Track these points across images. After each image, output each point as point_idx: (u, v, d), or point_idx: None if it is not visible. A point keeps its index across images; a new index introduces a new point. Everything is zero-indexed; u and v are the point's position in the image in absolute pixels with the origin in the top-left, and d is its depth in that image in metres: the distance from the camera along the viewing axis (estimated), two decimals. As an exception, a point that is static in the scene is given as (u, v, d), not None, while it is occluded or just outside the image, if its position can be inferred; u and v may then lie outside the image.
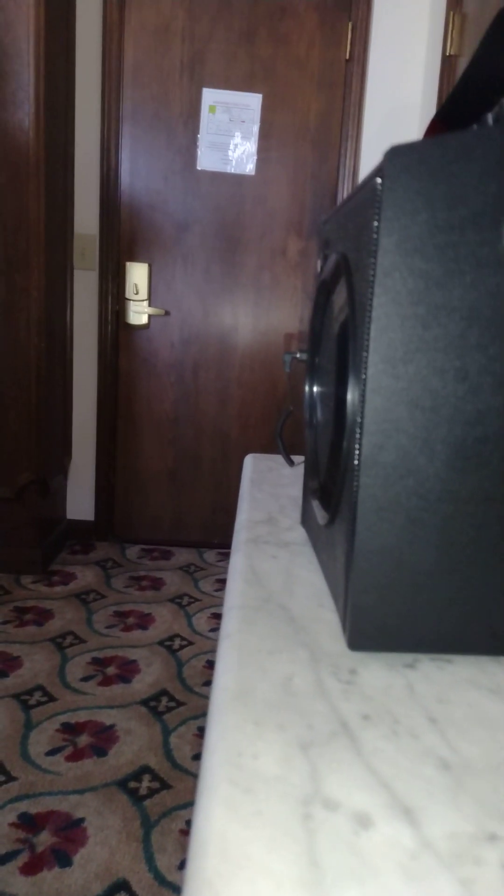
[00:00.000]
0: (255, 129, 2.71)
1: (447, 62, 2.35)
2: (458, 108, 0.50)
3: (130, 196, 2.77)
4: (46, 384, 2.50)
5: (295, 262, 2.83)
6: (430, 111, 2.56)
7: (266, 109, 2.71)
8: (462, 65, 2.28)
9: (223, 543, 3.04)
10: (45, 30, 2.25)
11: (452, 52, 2.33)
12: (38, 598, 2.40)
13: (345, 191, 2.78)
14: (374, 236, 0.37)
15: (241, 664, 0.40)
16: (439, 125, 0.53)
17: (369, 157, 2.75)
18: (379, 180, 0.36)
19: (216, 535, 3.03)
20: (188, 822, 1.38)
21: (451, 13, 2.33)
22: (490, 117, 0.39)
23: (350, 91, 2.69)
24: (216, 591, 2.59)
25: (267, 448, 2.96)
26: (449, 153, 0.36)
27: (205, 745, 0.34)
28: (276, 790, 0.30)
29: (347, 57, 2.68)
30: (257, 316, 2.86)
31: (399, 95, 2.69)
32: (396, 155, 0.36)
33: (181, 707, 1.78)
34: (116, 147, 2.72)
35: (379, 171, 0.37)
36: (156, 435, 2.94)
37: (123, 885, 1.21)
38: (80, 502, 2.99)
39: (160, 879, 1.23)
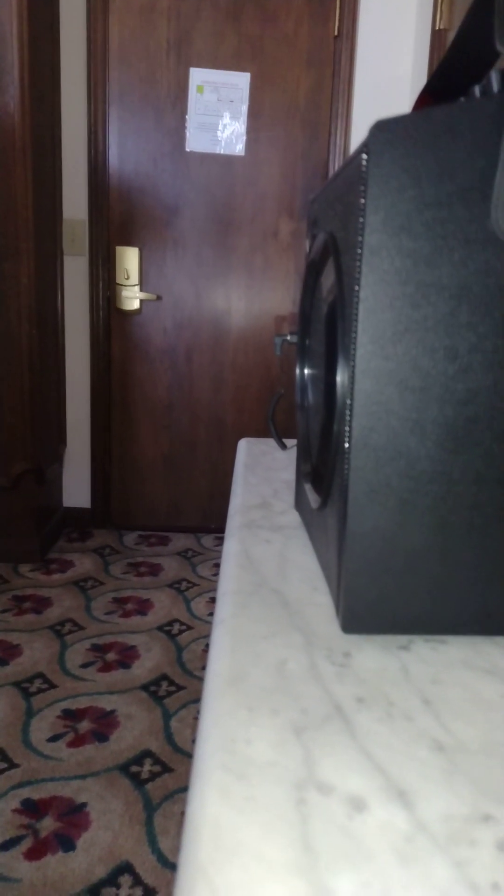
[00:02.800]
0: (244, 108, 2.67)
1: (437, 36, 2.32)
2: (446, 81, 0.49)
3: (119, 179, 2.74)
4: (39, 372, 2.49)
5: (287, 243, 2.81)
6: (421, 87, 2.52)
7: (255, 88, 2.67)
8: (452, 38, 2.25)
9: (220, 528, 3.05)
10: (28, 11, 2.21)
11: (442, 27, 2.30)
12: (36, 586, 2.40)
13: (335, 170, 2.75)
14: (361, 214, 0.36)
15: (234, 649, 0.40)
16: (428, 99, 0.52)
17: (360, 135, 2.72)
18: (364, 156, 0.36)
19: (213, 520, 3.03)
20: (190, 805, 1.39)
21: (441, -13, 2.30)
22: (477, 90, 0.38)
23: (339, 68, 2.65)
24: (214, 575, 2.60)
25: (262, 432, 2.96)
26: (436, 127, 0.35)
27: (198, 732, 0.34)
28: (270, 775, 0.30)
29: (336, 33, 2.64)
30: (250, 299, 2.84)
31: (389, 71, 2.66)
32: (381, 130, 0.35)
33: (181, 691, 1.79)
34: (104, 130, 2.69)
35: (364, 147, 0.36)
36: (150, 421, 2.93)
37: (127, 867, 1.22)
38: (76, 490, 2.99)
39: (163, 861, 1.24)
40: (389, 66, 2.66)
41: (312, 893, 0.24)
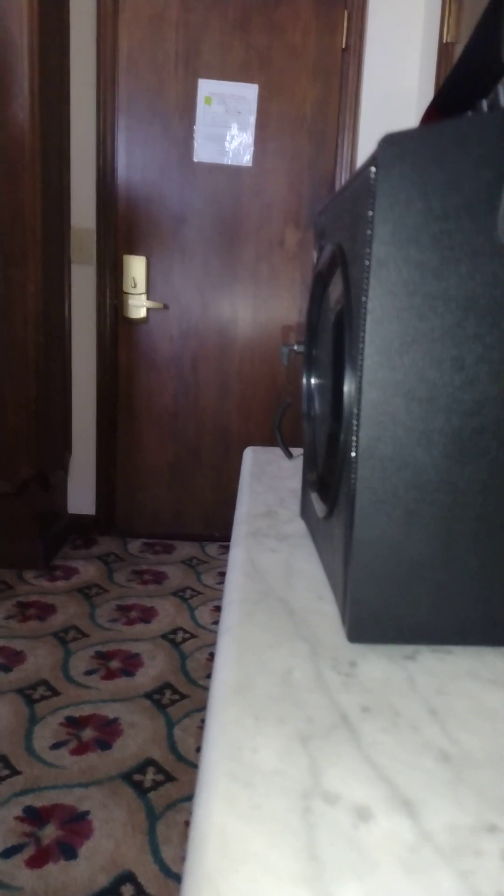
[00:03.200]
0: (252, 119, 2.69)
1: (444, 50, 2.33)
2: (453, 95, 0.50)
3: (127, 189, 2.76)
4: (45, 379, 2.50)
5: (293, 253, 2.82)
6: (428, 100, 2.54)
7: (262, 100, 2.69)
8: (459, 52, 2.26)
9: (225, 536, 3.05)
10: (38, 21, 2.23)
11: (449, 40, 2.31)
12: (40, 592, 2.41)
13: (342, 181, 2.76)
14: (369, 226, 0.37)
15: (240, 658, 0.40)
16: (435, 113, 0.53)
17: (366, 147, 2.73)
18: (373, 169, 0.36)
19: (218, 528, 3.03)
20: (193, 814, 1.38)
21: (448, 0, 2.31)
22: (485, 104, 0.39)
23: (346, 80, 2.67)
24: (218, 584, 2.60)
25: (268, 441, 2.96)
26: (443, 141, 0.36)
27: (204, 740, 0.34)
28: (276, 784, 0.30)
29: (343, 45, 2.66)
30: (256, 308, 2.85)
31: (396, 84, 2.67)
32: (390, 143, 0.35)
33: (185, 700, 1.79)
34: (112, 139, 2.71)
35: (373, 160, 0.36)
36: (156, 429, 2.94)
37: (129, 877, 1.22)
38: (81, 497, 3.00)
39: (166, 871, 1.24)
40: (396, 79, 2.67)
41: (318, 902, 0.24)
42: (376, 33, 2.64)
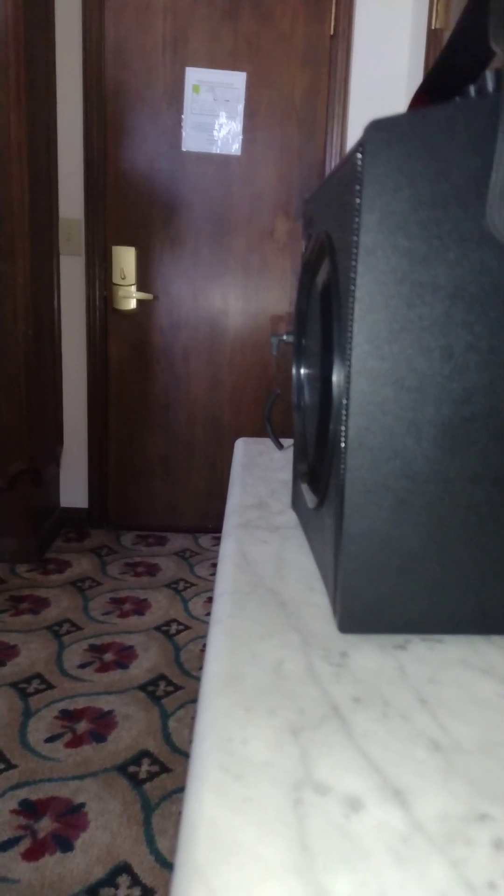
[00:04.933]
0: (240, 108, 2.67)
1: (433, 36, 2.32)
2: (441, 80, 0.49)
3: (115, 179, 2.73)
4: (36, 372, 2.48)
5: (283, 242, 2.81)
6: (417, 86, 2.52)
7: (251, 88, 2.67)
8: (447, 38, 2.25)
9: (218, 528, 3.05)
10: (23, 10, 2.20)
11: (438, 26, 2.30)
12: (33, 586, 2.40)
13: (332, 169, 2.75)
14: (356, 214, 0.36)
15: (231, 650, 0.40)
16: (424, 98, 0.52)
17: (356, 134, 2.72)
18: (359, 156, 0.36)
19: (211, 520, 3.03)
20: (188, 805, 1.38)
21: (436, -14, 2.30)
22: (472, 89, 0.38)
23: (335, 67, 2.65)
24: (211, 575, 2.60)
25: (260, 432, 2.96)
26: (431, 127, 0.35)
27: (195, 732, 0.34)
28: (267, 775, 0.30)
29: (332, 33, 2.64)
30: (247, 298, 2.84)
31: (385, 71, 2.66)
32: (377, 129, 0.35)
33: (179, 691, 1.79)
34: (100, 129, 2.68)
35: (360, 147, 0.36)
36: (148, 421, 2.93)
37: (125, 868, 1.22)
38: (73, 490, 2.99)
39: (161, 862, 1.24)
40: (385, 66, 2.66)
41: (309, 894, 0.24)
42: (365, 20, 2.62)
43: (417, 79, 2.51)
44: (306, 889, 0.24)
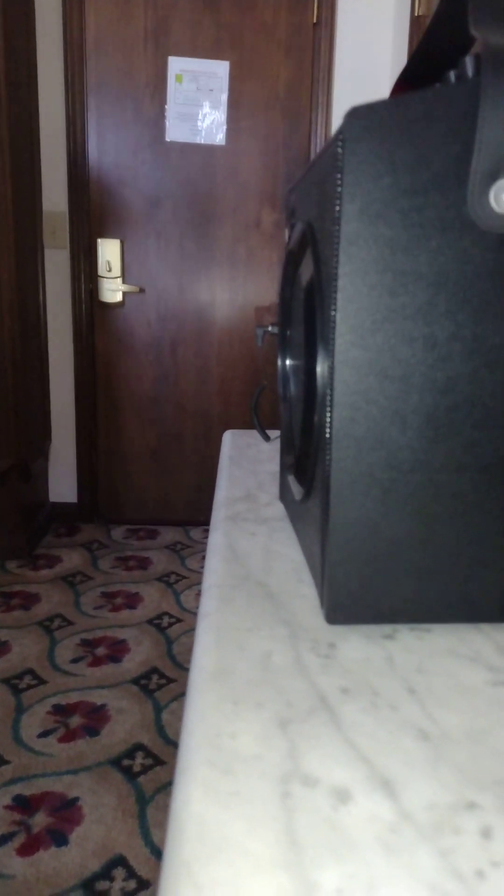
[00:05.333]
0: (224, 97, 2.65)
1: (416, 23, 2.31)
2: (422, 67, 0.49)
3: (99, 171, 2.71)
4: (22, 367, 2.47)
5: (269, 233, 2.80)
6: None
7: (234, 77, 2.65)
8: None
9: (209, 520, 3.05)
10: (3, 2, 2.18)
11: (421, 13, 2.29)
12: (24, 582, 2.39)
13: (317, 159, 2.74)
14: (337, 203, 0.36)
15: (219, 643, 0.40)
16: (405, 85, 0.52)
17: (340, 123, 2.71)
18: (339, 144, 0.35)
19: (201, 513, 3.03)
20: (183, 797, 1.39)
21: (419, -28, 2.28)
22: (452, 75, 0.38)
23: (318, 56, 2.64)
24: (203, 568, 2.60)
25: (249, 423, 2.96)
26: (411, 113, 0.35)
27: (183, 726, 0.34)
28: (255, 769, 0.30)
29: (315, 21, 2.62)
30: (234, 290, 2.83)
31: (369, 59, 2.65)
32: (356, 117, 0.35)
33: (172, 684, 1.80)
34: (83, 121, 2.66)
35: (339, 135, 0.35)
36: (136, 414, 2.92)
37: (120, 860, 1.23)
38: (62, 485, 2.98)
39: (157, 854, 1.25)
40: (369, 54, 2.64)
41: (298, 887, 0.24)
42: (348, 7, 2.61)
43: (401, 66, 2.51)
44: (295, 883, 0.24)
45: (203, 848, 0.26)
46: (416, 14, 2.31)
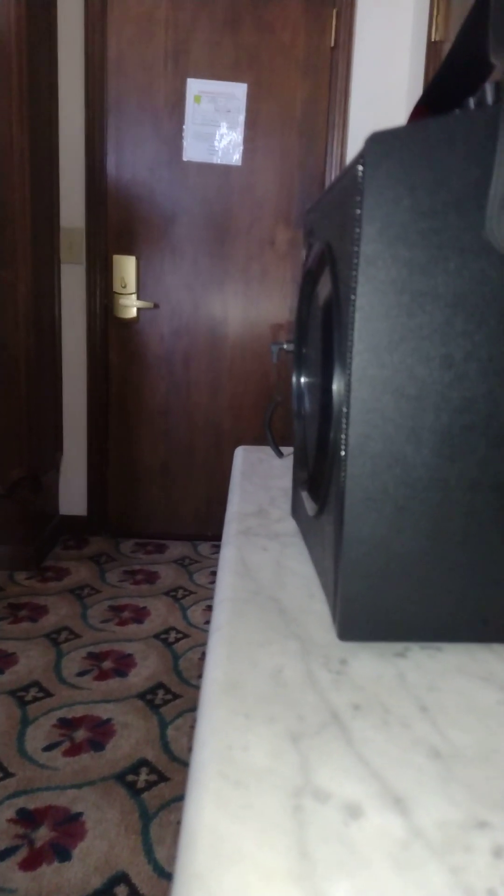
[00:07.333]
0: (241, 118, 2.69)
1: (432, 48, 2.34)
2: (441, 93, 0.50)
3: (117, 188, 2.75)
4: (36, 380, 2.49)
5: (283, 252, 2.82)
6: (416, 98, 2.54)
7: (251, 98, 2.69)
8: (447, 51, 2.27)
9: (217, 536, 3.04)
10: (26, 20, 2.22)
11: (438, 38, 2.32)
12: (31, 594, 2.40)
13: (332, 179, 2.76)
14: (357, 224, 0.37)
15: (231, 657, 0.40)
16: (424, 110, 0.53)
17: (356, 145, 2.74)
18: (360, 167, 0.36)
19: (210, 528, 3.03)
20: (186, 814, 1.38)
21: (436, -2, 2.32)
22: (472, 101, 0.39)
23: (336, 78, 2.67)
24: (211, 583, 2.59)
25: (260, 439, 2.96)
26: (431, 138, 0.36)
27: (195, 739, 0.34)
28: (267, 783, 0.30)
29: (332, 44, 2.66)
30: (247, 307, 2.85)
31: (385, 82, 2.68)
32: (377, 141, 0.35)
33: (178, 700, 1.79)
34: (101, 138, 2.70)
35: (360, 158, 0.36)
36: (148, 428, 2.94)
37: (123, 877, 1.22)
38: (72, 497, 2.99)
39: (159, 871, 1.23)
40: (385, 77, 2.67)
41: (309, 901, 0.24)
42: (365, 31, 2.64)
43: (417, 90, 2.53)
44: (306, 896, 0.24)
45: (215, 860, 0.26)
46: (432, 39, 2.34)
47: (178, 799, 1.43)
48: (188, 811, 0.29)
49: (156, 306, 2.83)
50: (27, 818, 1.35)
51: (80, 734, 1.62)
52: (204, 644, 2.11)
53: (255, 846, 0.26)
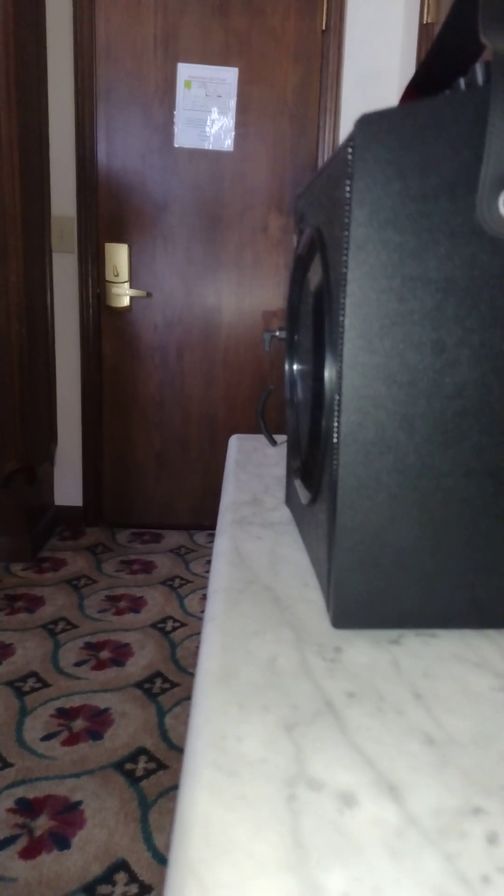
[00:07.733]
0: (232, 103, 2.66)
1: (424, 30, 2.32)
2: (432, 74, 0.49)
3: (107, 176, 2.72)
4: (29, 370, 2.48)
5: (276, 238, 2.80)
6: (409, 80, 2.52)
7: (242, 83, 2.66)
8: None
9: (213, 525, 3.05)
10: (13, 7, 2.19)
11: (430, 20, 2.30)
12: (28, 585, 2.40)
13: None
14: (346, 208, 0.36)
15: (225, 646, 0.40)
16: (414, 92, 0.52)
17: (348, 129, 2.71)
18: (349, 150, 0.36)
19: (206, 517, 3.03)
20: (185, 801, 1.39)
21: (428, -20, 2.29)
22: (462, 82, 0.38)
23: (327, 62, 2.65)
24: (207, 572, 2.60)
25: (254, 428, 2.96)
26: (421, 120, 0.35)
27: (189, 729, 0.34)
28: (261, 772, 0.30)
29: (324, 28, 2.63)
30: (240, 295, 2.84)
31: (377, 65, 2.66)
32: (367, 123, 0.35)
33: (175, 688, 1.79)
34: (92, 126, 2.67)
35: (350, 141, 0.36)
36: (142, 418, 2.93)
37: (123, 865, 1.22)
38: (67, 488, 2.98)
39: (159, 858, 1.24)
40: (377, 60, 2.65)
41: (303, 890, 0.24)
42: (357, 14, 2.62)
43: (409, 73, 2.51)
44: (300, 885, 0.24)
45: (209, 850, 0.26)
46: (424, 21, 2.32)
47: (177, 787, 1.44)
48: (182, 801, 0.29)
49: (149, 295, 2.81)
50: (26, 808, 1.35)
51: (79, 724, 1.62)
52: (201, 633, 2.11)
53: (249, 836, 0.26)
